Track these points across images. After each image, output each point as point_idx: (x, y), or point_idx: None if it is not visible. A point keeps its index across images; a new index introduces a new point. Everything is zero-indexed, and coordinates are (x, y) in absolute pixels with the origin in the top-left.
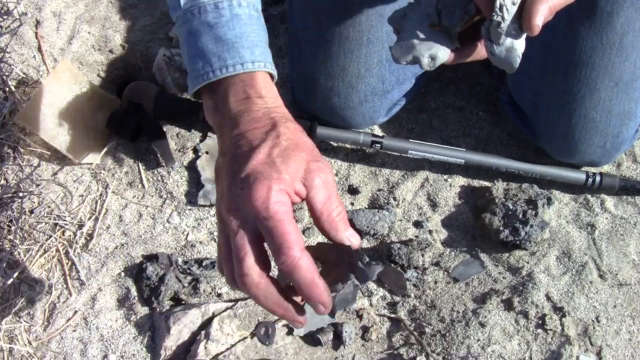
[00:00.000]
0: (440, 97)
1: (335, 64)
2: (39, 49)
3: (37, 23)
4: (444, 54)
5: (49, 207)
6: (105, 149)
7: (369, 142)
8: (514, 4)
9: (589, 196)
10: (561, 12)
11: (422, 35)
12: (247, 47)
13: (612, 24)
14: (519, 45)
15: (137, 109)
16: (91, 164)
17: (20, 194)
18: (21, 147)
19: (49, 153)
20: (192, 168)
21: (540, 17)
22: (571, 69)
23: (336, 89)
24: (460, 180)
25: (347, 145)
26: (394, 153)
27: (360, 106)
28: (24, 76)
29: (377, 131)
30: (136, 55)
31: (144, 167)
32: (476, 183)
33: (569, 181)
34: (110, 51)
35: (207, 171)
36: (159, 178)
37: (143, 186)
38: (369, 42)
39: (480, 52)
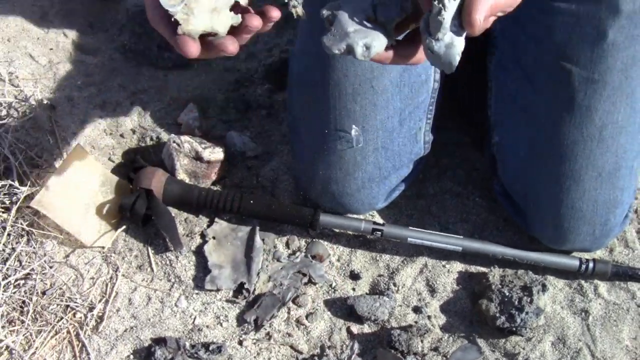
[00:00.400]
0: (438, 183)
1: (332, 153)
2: (53, 132)
3: (52, 107)
4: (379, 44)
5: (60, 289)
6: (116, 233)
7: (370, 229)
8: None
9: (582, 282)
10: (542, 106)
11: (356, 26)
12: None
13: (591, 118)
14: (459, 42)
15: (147, 194)
16: (102, 247)
17: (33, 276)
18: (35, 229)
19: (62, 236)
20: (199, 253)
21: (482, 12)
22: (556, 162)
23: (334, 177)
24: (458, 266)
25: (349, 232)
26: (395, 240)
27: (359, 193)
28: (39, 160)
29: (377, 217)
30: (146, 140)
31: (153, 251)
32: (473, 269)
33: (562, 268)
34: (121, 135)
35: (214, 256)
36: (168, 262)
37: (152, 270)
38: (363, 130)
39: (420, 55)
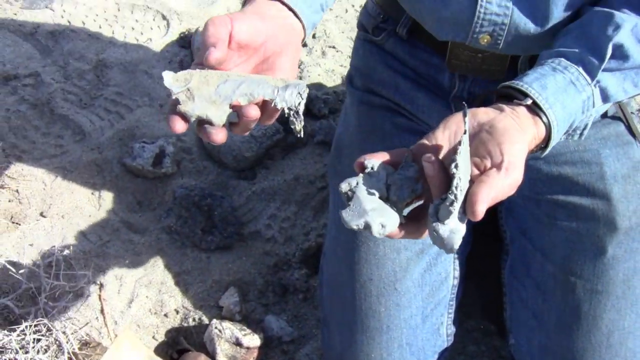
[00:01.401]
0: None
1: (359, 350)
2: (102, 311)
3: (101, 286)
4: (393, 224)
5: None
6: None
7: None
8: (461, 190)
9: None
10: (552, 314)
11: (373, 204)
12: None
13: (597, 326)
14: (462, 228)
15: None
16: None
17: None
18: None
19: None
20: None
21: (484, 204)
22: None
23: None
24: None
25: None
26: None
27: None
28: (87, 338)
29: None
30: (189, 321)
31: None
32: None
33: None
34: (165, 315)
35: None
36: None
37: None
38: (388, 329)
39: (421, 231)
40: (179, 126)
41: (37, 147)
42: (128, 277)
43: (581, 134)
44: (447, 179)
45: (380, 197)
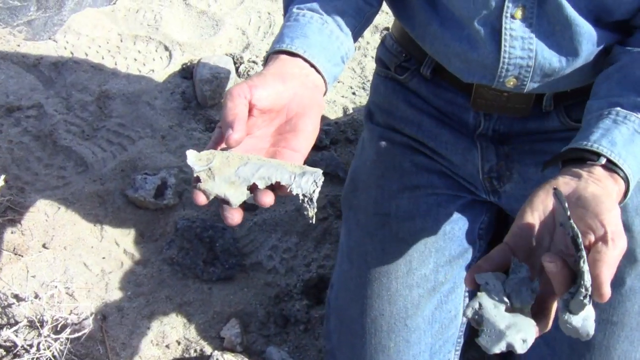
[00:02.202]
0: None
1: None
2: (104, 342)
3: (103, 317)
4: (532, 333)
5: None
6: None
7: None
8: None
9: None
10: (565, 342)
11: (505, 322)
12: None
13: (610, 356)
14: (592, 312)
15: None
16: None
17: None
18: None
19: None
20: None
21: (609, 284)
22: None
23: None
24: None
25: None
26: None
27: None
28: None
29: None
30: (190, 352)
31: None
32: None
33: None
34: (167, 346)
35: None
36: None
37: None
38: None
39: (549, 326)
40: (202, 200)
41: (40, 178)
42: (130, 308)
43: None
44: (570, 273)
45: (506, 310)
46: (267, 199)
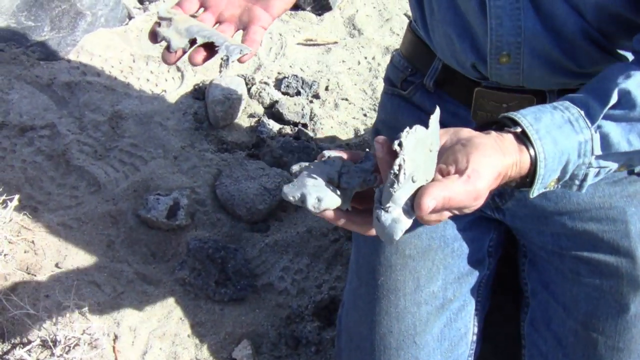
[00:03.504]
0: None
1: None
2: None
3: (115, 338)
4: (330, 201)
5: None
6: None
7: None
8: (413, 181)
9: None
10: None
11: (315, 183)
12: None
13: None
14: (405, 221)
15: None
16: None
17: None
18: None
19: None
20: None
21: (432, 199)
22: None
23: None
24: None
25: None
26: None
27: None
28: None
29: None
30: None
31: None
32: None
33: None
34: None
35: None
36: None
37: None
38: None
39: (366, 224)
40: (151, 37)
41: (53, 198)
42: (142, 328)
43: (580, 186)
44: None
45: (330, 182)
46: (198, 56)
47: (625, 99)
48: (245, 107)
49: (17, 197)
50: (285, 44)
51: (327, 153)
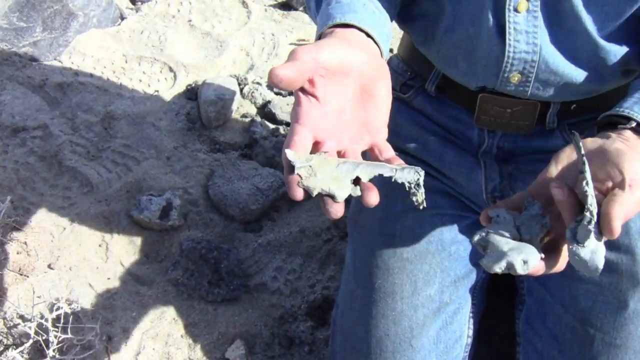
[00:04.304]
0: None
1: None
2: None
3: (108, 338)
4: (535, 258)
5: None
6: None
7: None
8: (595, 208)
9: None
10: None
11: (509, 245)
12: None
13: None
14: (601, 247)
15: None
16: None
17: None
18: None
19: None
20: None
21: (619, 221)
22: None
23: None
24: None
25: None
26: None
27: None
28: None
29: None
30: None
31: None
32: None
33: None
34: None
35: None
36: None
37: None
38: None
39: (561, 264)
40: (299, 195)
41: (45, 199)
42: (135, 329)
43: None
44: (578, 203)
45: (513, 239)
46: (374, 196)
47: None
48: (238, 107)
49: (9, 198)
50: (278, 44)
51: (493, 212)
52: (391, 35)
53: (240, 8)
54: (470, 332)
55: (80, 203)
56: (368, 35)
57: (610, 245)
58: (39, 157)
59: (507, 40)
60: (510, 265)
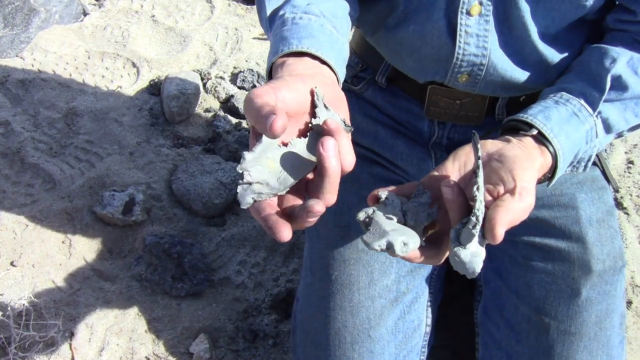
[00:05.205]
0: None
1: None
2: (72, 359)
3: (72, 335)
4: (415, 242)
5: None
6: None
7: None
8: (482, 213)
9: None
10: (526, 354)
11: (392, 226)
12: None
13: None
14: (482, 251)
15: None
16: None
17: None
18: None
19: None
20: None
21: (502, 228)
22: None
23: None
24: None
25: None
26: None
27: None
28: None
29: None
30: None
31: None
32: None
33: None
34: None
35: None
36: None
37: None
38: None
39: (440, 255)
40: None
41: (7, 196)
42: (99, 325)
43: (585, 166)
44: (466, 203)
45: (398, 222)
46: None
47: (617, 83)
48: (201, 102)
49: None
50: (241, 39)
51: (382, 193)
52: (347, 56)
53: (203, 3)
54: (429, 321)
55: (43, 200)
56: (323, 62)
57: (561, 234)
58: (1, 154)
59: (458, 42)
60: (389, 245)
